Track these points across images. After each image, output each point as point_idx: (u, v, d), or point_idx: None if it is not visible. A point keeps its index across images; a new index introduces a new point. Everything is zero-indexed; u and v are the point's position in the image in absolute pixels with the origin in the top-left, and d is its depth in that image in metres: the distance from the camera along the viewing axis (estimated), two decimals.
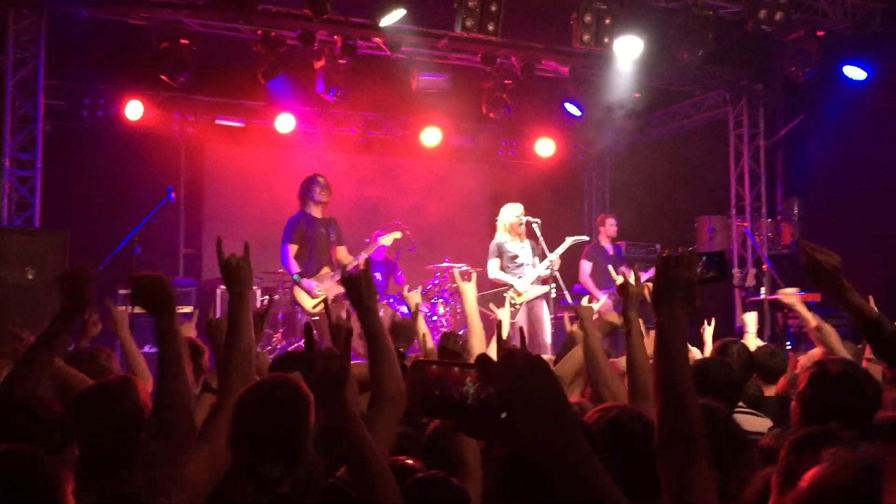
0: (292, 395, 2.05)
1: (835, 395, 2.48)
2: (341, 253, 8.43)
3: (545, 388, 1.22)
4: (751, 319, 6.01)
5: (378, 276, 9.41)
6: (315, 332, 4.28)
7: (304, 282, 8.12)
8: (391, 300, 8.98)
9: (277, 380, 2.18)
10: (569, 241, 8.32)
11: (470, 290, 4.42)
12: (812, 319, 4.42)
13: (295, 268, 8.15)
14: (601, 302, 7.68)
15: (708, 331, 5.28)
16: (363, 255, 8.29)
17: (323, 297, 7.49)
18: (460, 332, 4.97)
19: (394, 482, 1.88)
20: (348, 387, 1.87)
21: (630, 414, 2.15)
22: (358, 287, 2.45)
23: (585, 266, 9.73)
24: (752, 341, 5.72)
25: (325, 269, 8.28)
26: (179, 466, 2.04)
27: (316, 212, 8.35)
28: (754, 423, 3.50)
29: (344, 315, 2.97)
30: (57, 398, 3.18)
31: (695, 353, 4.75)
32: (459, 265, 9.27)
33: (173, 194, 7.80)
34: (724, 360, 3.76)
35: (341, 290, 7.21)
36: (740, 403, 3.65)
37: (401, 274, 9.64)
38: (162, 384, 2.26)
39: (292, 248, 8.18)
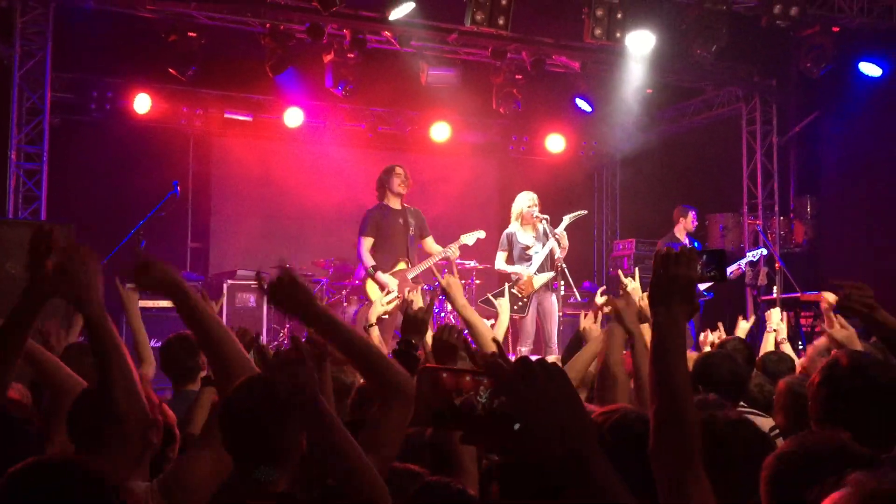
0: (272, 395, 1.96)
1: (848, 387, 2.41)
2: (429, 244, 8.26)
3: (562, 398, 1.17)
4: (775, 317, 5.60)
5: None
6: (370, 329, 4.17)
7: (379, 275, 7.87)
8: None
9: (256, 381, 2.09)
10: (566, 219, 8.19)
11: (455, 289, 3.98)
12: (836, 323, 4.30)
13: (369, 261, 7.91)
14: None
15: (711, 337, 5.11)
16: (448, 251, 8.11)
17: (394, 296, 7.28)
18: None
19: (381, 483, 1.85)
20: (321, 392, 1.83)
21: (636, 416, 2.08)
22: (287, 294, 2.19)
23: None
24: (771, 341, 5.48)
25: (401, 264, 8.04)
26: (181, 468, 1.99)
27: (394, 203, 8.12)
28: (758, 422, 3.41)
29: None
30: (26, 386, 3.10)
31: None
32: (465, 262, 9.14)
33: (179, 188, 7.76)
34: (729, 354, 3.69)
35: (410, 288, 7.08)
36: (742, 403, 3.58)
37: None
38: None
39: (367, 241, 7.95)
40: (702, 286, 8.54)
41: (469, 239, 8.32)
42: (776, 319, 5.39)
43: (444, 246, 8.28)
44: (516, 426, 1.12)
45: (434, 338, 2.95)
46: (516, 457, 1.20)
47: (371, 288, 7.99)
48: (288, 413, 1.97)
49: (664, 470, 1.69)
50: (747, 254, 9.18)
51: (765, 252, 9.03)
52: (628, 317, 3.14)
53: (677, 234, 9.45)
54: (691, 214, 9.52)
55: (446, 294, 3.98)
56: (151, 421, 2.15)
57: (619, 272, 5.37)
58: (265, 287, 2.18)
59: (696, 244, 9.47)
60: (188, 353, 3.85)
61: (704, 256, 2.02)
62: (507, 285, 8.13)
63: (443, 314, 9.32)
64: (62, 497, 1.59)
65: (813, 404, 2.44)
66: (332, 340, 2.22)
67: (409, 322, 2.94)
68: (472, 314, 3.86)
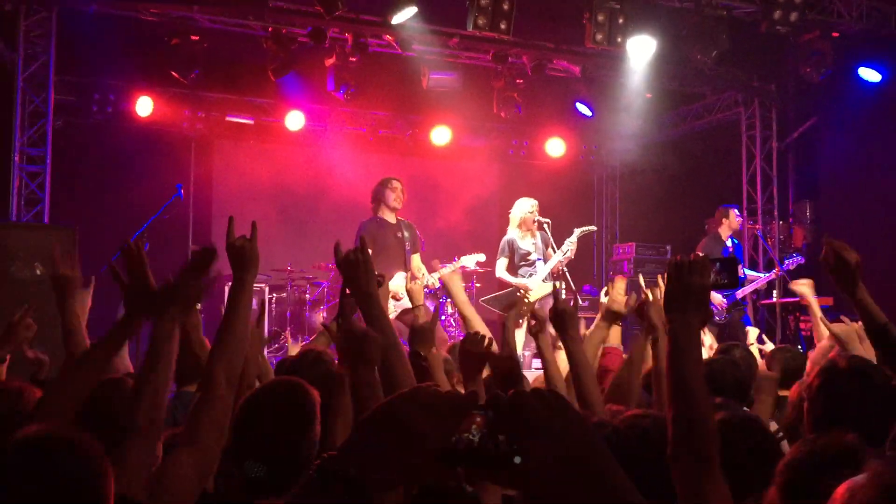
0: (301, 404, 1.99)
1: (845, 390, 2.44)
2: (415, 261, 8.06)
3: (562, 427, 1.12)
4: (752, 335, 5.76)
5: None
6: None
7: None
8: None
9: (287, 385, 2.11)
10: (577, 232, 8.15)
11: (456, 286, 4.13)
12: (818, 311, 4.38)
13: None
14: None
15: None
16: (438, 273, 7.83)
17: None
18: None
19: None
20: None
21: (652, 420, 2.11)
22: (355, 270, 2.32)
23: None
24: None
25: (400, 274, 7.88)
26: (164, 470, 1.97)
27: (389, 216, 7.99)
28: None
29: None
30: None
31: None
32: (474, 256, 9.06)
33: (182, 191, 7.77)
34: (732, 360, 3.72)
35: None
36: (745, 409, 3.60)
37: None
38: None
39: None
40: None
41: (469, 261, 8.16)
42: (753, 338, 5.52)
43: (441, 261, 8.17)
44: (517, 460, 1.09)
45: (462, 350, 2.97)
46: (522, 491, 1.16)
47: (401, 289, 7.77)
48: (314, 421, 1.98)
49: (683, 475, 1.70)
50: (786, 260, 8.91)
51: (801, 260, 8.76)
52: (656, 313, 3.16)
53: (721, 234, 9.03)
54: (733, 212, 9.05)
55: (447, 288, 4.07)
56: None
57: (640, 275, 5.38)
58: (339, 248, 2.32)
59: (736, 244, 9.19)
60: (189, 353, 3.85)
61: (717, 264, 2.05)
62: (519, 297, 7.99)
63: (442, 317, 9.35)
64: (47, 470, 1.56)
65: (811, 406, 2.47)
66: (367, 319, 2.30)
67: (416, 333, 2.96)
68: (470, 311, 3.97)
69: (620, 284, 3.84)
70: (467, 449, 1.12)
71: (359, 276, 2.29)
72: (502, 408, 1.14)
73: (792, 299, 8.97)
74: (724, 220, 9.05)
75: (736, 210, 9.16)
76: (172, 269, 2.39)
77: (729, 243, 9.06)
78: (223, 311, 2.28)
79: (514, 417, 1.13)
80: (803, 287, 5.02)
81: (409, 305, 7.54)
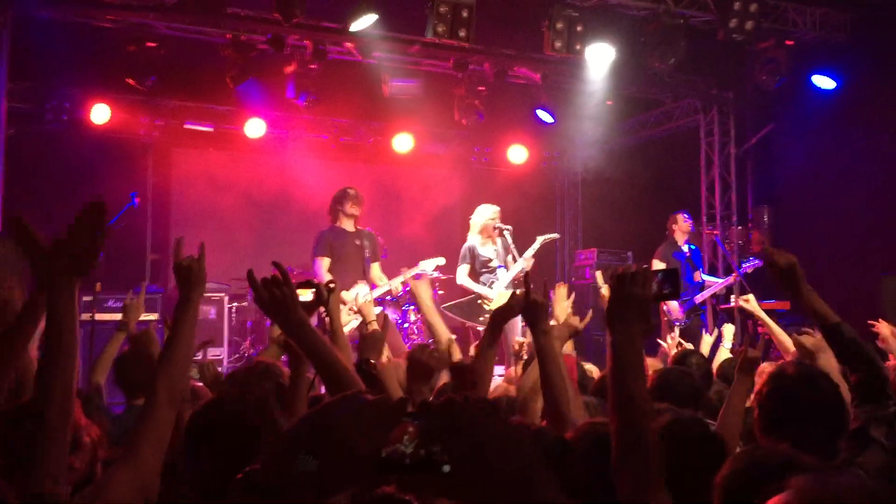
0: (250, 419, 1.95)
1: (793, 397, 2.46)
2: (375, 270, 8.07)
3: (492, 435, 1.12)
4: (728, 332, 5.84)
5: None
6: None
7: (343, 294, 7.64)
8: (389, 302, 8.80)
9: (236, 400, 2.07)
10: (539, 239, 8.17)
11: (424, 292, 4.22)
12: (769, 321, 4.44)
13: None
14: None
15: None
16: (401, 278, 7.90)
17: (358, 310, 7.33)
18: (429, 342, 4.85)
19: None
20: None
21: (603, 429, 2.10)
22: (279, 305, 2.23)
23: (658, 266, 9.37)
24: (726, 355, 5.66)
25: (360, 284, 7.93)
26: (101, 485, 1.93)
27: (347, 225, 8.01)
28: None
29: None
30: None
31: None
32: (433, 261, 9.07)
33: (137, 199, 7.66)
34: (686, 370, 3.75)
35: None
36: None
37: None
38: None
39: (325, 262, 7.81)
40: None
41: (428, 266, 8.15)
42: (730, 336, 5.57)
43: (403, 265, 8.14)
44: (445, 469, 1.09)
45: (410, 359, 2.96)
46: (455, 499, 1.15)
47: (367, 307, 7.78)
48: (263, 434, 1.95)
49: (626, 487, 1.70)
50: (743, 264, 9.06)
51: (759, 263, 8.92)
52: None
53: (677, 240, 9.20)
54: (680, 217, 9.27)
55: (415, 294, 4.09)
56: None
57: (598, 274, 5.41)
58: (257, 284, 2.21)
59: (694, 251, 9.31)
60: (141, 367, 3.79)
61: (659, 275, 2.06)
62: (482, 304, 8.00)
63: (406, 325, 9.31)
64: None
65: (761, 412, 2.48)
66: (304, 350, 2.23)
67: (365, 341, 2.94)
68: (435, 318, 3.99)
69: (562, 291, 3.84)
70: (398, 458, 1.11)
71: (284, 311, 2.19)
72: (432, 416, 1.13)
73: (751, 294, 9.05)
74: (673, 225, 9.25)
75: (684, 215, 9.30)
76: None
77: (685, 248, 9.16)
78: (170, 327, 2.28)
79: (444, 425, 1.12)
80: (748, 305, 5.11)
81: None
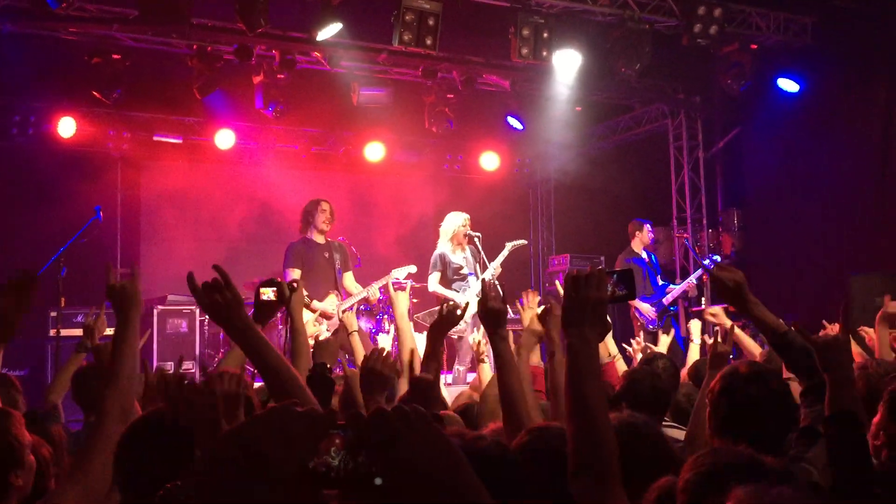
0: (168, 435, 1.94)
1: (744, 395, 2.47)
2: (348, 280, 8.06)
3: (424, 446, 1.11)
4: (695, 328, 5.89)
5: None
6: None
7: (316, 304, 7.76)
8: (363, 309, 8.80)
9: (154, 418, 2.06)
10: (508, 246, 8.21)
11: (402, 300, 4.32)
12: (736, 329, 4.48)
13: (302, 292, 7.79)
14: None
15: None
16: (379, 284, 7.93)
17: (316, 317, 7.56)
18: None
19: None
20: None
21: (557, 433, 2.09)
22: (226, 312, 2.19)
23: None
24: (696, 351, 5.70)
25: (332, 295, 7.92)
26: (49, 501, 1.91)
27: (318, 238, 7.99)
28: (673, 434, 3.48)
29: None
30: None
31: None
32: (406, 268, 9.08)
33: (102, 213, 7.58)
34: (652, 371, 3.76)
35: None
36: (665, 418, 3.64)
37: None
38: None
39: (295, 273, 7.77)
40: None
41: (400, 273, 8.17)
42: (697, 331, 5.59)
43: (377, 273, 8.14)
44: (377, 481, 1.08)
45: (363, 369, 2.95)
46: None
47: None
48: (185, 450, 1.94)
49: (584, 492, 1.70)
50: (703, 262, 9.20)
51: (707, 262, 9.08)
52: (555, 327, 3.17)
53: (635, 249, 9.31)
54: (646, 227, 9.38)
55: (393, 301, 4.18)
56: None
57: (557, 283, 5.43)
58: (198, 289, 2.17)
59: (653, 258, 9.40)
60: (100, 381, 3.75)
61: (614, 276, 2.06)
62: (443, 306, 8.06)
63: (379, 335, 9.27)
64: None
65: (713, 411, 2.50)
66: (249, 354, 2.21)
67: (319, 347, 2.94)
68: (405, 325, 4.07)
69: (534, 300, 3.86)
70: (325, 471, 1.10)
71: (227, 315, 2.16)
72: (361, 427, 1.13)
73: (721, 305, 9.13)
74: (636, 233, 9.34)
75: (648, 226, 9.41)
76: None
77: (644, 255, 9.27)
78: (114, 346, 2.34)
79: (373, 436, 1.11)
80: (714, 319, 5.19)
81: (338, 324, 7.54)
